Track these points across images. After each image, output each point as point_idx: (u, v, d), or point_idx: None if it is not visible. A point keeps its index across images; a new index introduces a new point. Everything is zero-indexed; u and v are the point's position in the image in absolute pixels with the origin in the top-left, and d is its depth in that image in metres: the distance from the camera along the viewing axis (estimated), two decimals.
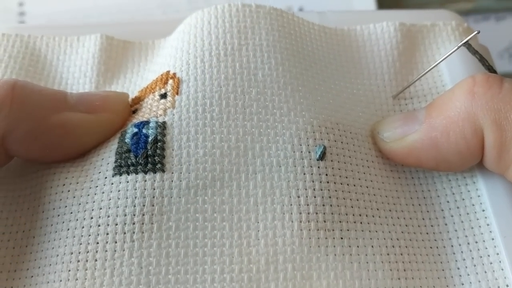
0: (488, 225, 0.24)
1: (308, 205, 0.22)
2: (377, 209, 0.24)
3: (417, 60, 0.29)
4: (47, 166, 0.24)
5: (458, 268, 0.23)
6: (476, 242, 0.24)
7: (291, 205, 0.22)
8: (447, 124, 0.23)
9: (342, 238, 0.22)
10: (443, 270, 0.23)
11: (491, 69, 0.26)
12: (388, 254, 0.23)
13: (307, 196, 0.22)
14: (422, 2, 0.52)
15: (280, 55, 0.26)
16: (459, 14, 0.32)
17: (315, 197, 0.22)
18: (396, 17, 0.30)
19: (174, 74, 0.25)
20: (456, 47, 0.26)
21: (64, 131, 0.23)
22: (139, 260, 0.21)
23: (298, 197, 0.22)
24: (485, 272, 0.23)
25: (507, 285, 0.22)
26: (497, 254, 0.23)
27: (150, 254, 0.21)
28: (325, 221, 0.22)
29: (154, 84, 0.26)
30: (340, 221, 0.22)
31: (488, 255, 0.23)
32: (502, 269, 0.23)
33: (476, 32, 0.26)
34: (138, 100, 0.26)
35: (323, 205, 0.22)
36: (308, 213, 0.22)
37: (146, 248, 0.21)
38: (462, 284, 0.23)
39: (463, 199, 0.25)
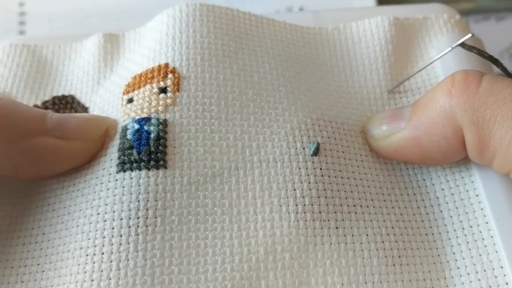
0: (482, 209, 0.24)
1: (304, 197, 0.23)
2: (371, 200, 0.25)
3: (411, 54, 0.30)
4: None
5: (454, 253, 0.24)
6: (471, 227, 0.24)
7: (287, 197, 0.23)
8: (429, 124, 0.24)
9: (337, 228, 0.23)
10: (438, 255, 0.24)
11: (492, 58, 0.26)
12: (382, 242, 0.23)
13: (302, 189, 0.23)
14: (422, 1, 0.52)
15: (274, 61, 0.27)
16: (460, 14, 0.32)
17: (310, 190, 0.23)
18: (390, 12, 0.31)
19: (174, 68, 0.26)
20: (450, 48, 0.26)
21: (37, 155, 0.24)
22: (143, 252, 0.22)
23: (294, 190, 0.23)
24: (480, 255, 0.23)
25: (502, 267, 0.23)
26: (491, 237, 0.24)
27: (154, 247, 0.22)
28: (320, 212, 0.23)
29: (150, 74, 0.26)
30: (335, 212, 0.24)
31: (483, 239, 0.24)
32: (497, 252, 0.23)
33: (468, 35, 0.26)
34: (132, 88, 0.26)
35: (318, 197, 0.23)
36: (304, 205, 0.23)
37: (150, 241, 0.22)
38: (458, 268, 0.24)
39: (458, 186, 0.25)
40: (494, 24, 0.51)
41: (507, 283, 0.23)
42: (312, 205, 0.23)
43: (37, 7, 0.47)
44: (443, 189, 0.26)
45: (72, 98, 0.29)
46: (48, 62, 0.30)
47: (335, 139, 0.25)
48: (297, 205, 0.23)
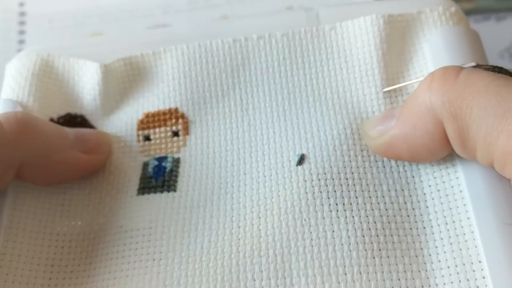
0: (464, 205, 0.25)
1: (286, 201, 0.27)
2: (356, 197, 0.26)
3: (405, 50, 0.30)
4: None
5: (436, 247, 0.25)
6: (454, 222, 0.25)
7: (272, 203, 0.27)
8: (413, 120, 0.25)
9: (317, 225, 0.26)
10: (421, 248, 0.25)
11: (493, 68, 0.27)
12: (363, 236, 0.25)
13: (285, 195, 0.27)
14: None
15: (268, 87, 0.31)
16: None
17: (292, 194, 0.27)
18: (385, 8, 0.31)
19: (183, 114, 0.31)
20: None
21: (67, 167, 0.29)
22: (158, 255, 0.27)
23: (279, 196, 0.27)
24: (460, 249, 0.24)
25: (480, 261, 0.23)
26: (472, 232, 0.24)
27: (164, 249, 0.27)
28: (301, 213, 0.26)
29: (163, 116, 0.31)
30: (316, 211, 0.26)
31: (464, 234, 0.25)
32: (476, 246, 0.24)
33: (472, 64, 0.27)
34: (147, 125, 0.32)
35: (300, 200, 0.26)
36: (286, 208, 0.26)
37: (160, 247, 0.27)
38: (439, 261, 0.24)
39: (444, 182, 0.26)
40: (494, 24, 0.51)
41: (483, 277, 0.23)
42: (293, 207, 0.26)
43: (37, 7, 0.47)
44: (430, 186, 0.26)
45: (82, 117, 0.32)
46: (60, 74, 0.33)
47: (321, 147, 0.28)
48: (280, 208, 0.26)
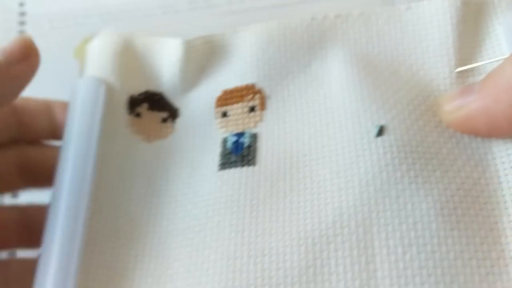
0: None
1: (367, 173, 0.27)
2: (433, 171, 0.27)
3: (479, 32, 0.31)
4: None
5: (510, 222, 0.26)
6: None
7: (352, 176, 0.27)
8: (497, 93, 0.25)
9: (398, 197, 0.26)
10: (496, 223, 0.26)
11: None
12: (441, 209, 0.25)
13: (366, 167, 0.27)
14: None
15: (344, 63, 0.31)
16: None
17: (373, 166, 0.27)
18: None
19: (260, 90, 0.32)
20: None
21: None
22: (242, 227, 0.28)
23: (359, 168, 0.27)
24: None
25: None
26: None
27: (246, 221, 0.28)
28: (382, 185, 0.26)
29: (240, 93, 0.32)
30: (396, 183, 0.26)
31: None
32: None
33: None
34: (225, 102, 0.32)
35: (380, 172, 0.27)
36: (367, 180, 0.27)
37: (243, 219, 0.28)
38: None
39: None
40: None
41: None
42: (374, 179, 0.27)
43: (37, 7, 0.47)
44: (503, 162, 0.27)
45: (161, 95, 0.33)
46: (140, 52, 0.34)
47: (398, 120, 0.28)
48: (361, 180, 0.27)
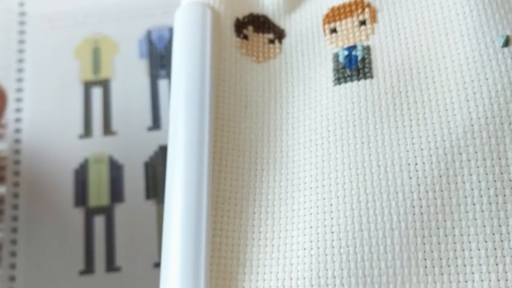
0: None
1: (496, 84, 0.27)
2: None
3: None
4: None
5: None
6: None
7: (480, 86, 0.27)
8: None
9: None
10: None
11: None
12: None
13: (494, 78, 0.27)
14: None
15: None
16: None
17: (502, 77, 0.27)
18: None
19: (369, 3, 0.32)
20: None
21: None
22: (360, 133, 0.28)
23: (486, 79, 0.27)
24: None
25: None
26: None
27: (368, 128, 0.28)
28: None
29: (348, 8, 0.32)
30: None
31: None
32: None
33: None
34: (333, 19, 0.32)
35: (510, 83, 0.27)
36: (497, 91, 0.27)
37: (361, 132, 0.28)
38: None
39: None
40: None
41: None
42: (504, 90, 0.26)
43: (37, 7, 0.47)
44: None
45: (265, 17, 0.33)
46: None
47: None
48: (490, 91, 0.26)
